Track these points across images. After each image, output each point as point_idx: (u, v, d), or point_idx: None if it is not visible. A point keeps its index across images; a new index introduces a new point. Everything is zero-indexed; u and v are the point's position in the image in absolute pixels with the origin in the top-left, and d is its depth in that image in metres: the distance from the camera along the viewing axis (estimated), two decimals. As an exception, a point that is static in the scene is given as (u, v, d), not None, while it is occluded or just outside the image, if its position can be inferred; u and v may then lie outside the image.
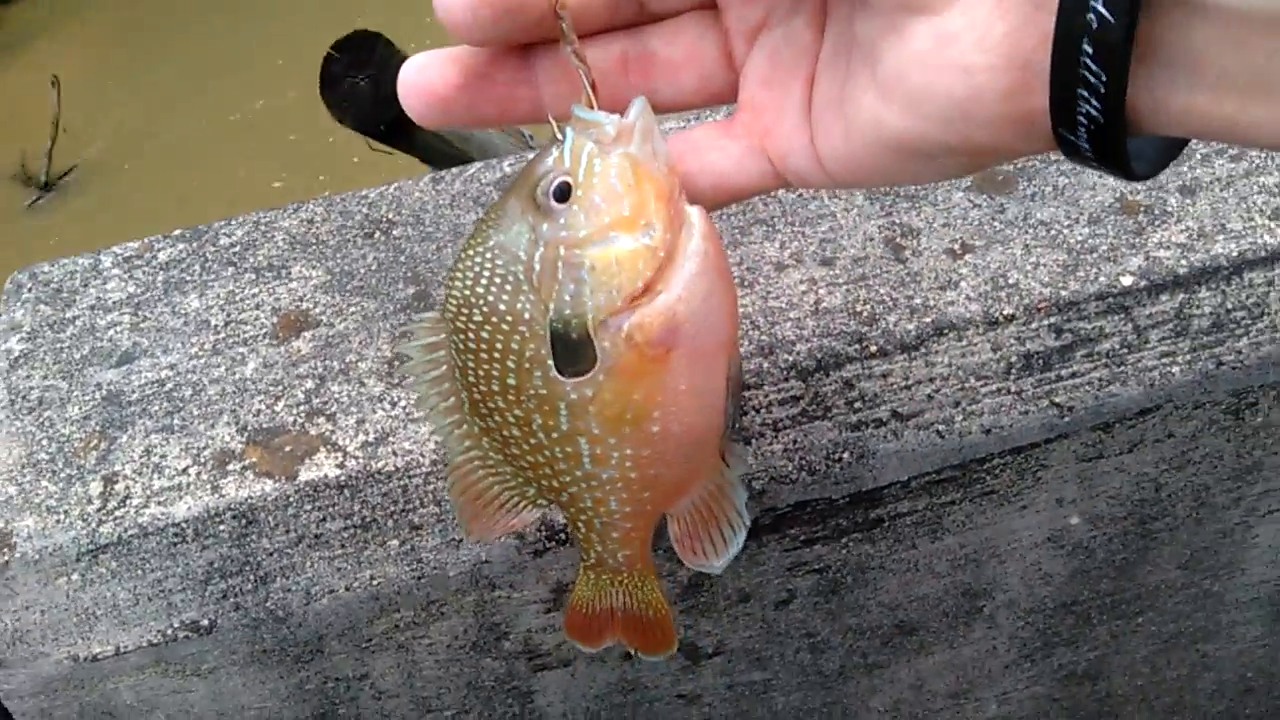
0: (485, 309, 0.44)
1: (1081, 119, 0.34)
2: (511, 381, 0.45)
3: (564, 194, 0.42)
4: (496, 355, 0.45)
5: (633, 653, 0.57)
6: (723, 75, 0.45)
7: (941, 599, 0.74)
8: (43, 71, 3.78)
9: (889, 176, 0.42)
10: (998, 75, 0.35)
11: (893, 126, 0.39)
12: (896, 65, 0.37)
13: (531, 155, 0.45)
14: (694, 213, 0.43)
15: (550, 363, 0.44)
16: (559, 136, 0.43)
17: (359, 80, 2.44)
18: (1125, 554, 0.74)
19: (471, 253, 0.45)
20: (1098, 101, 0.33)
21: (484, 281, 0.44)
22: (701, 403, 0.45)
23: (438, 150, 2.46)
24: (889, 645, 0.76)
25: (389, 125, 2.45)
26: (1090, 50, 0.32)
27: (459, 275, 0.45)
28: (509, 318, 0.44)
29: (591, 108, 0.43)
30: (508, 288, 0.44)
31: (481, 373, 0.45)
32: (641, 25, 0.45)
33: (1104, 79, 0.33)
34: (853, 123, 0.40)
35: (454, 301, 0.45)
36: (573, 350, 0.43)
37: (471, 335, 0.45)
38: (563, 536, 0.61)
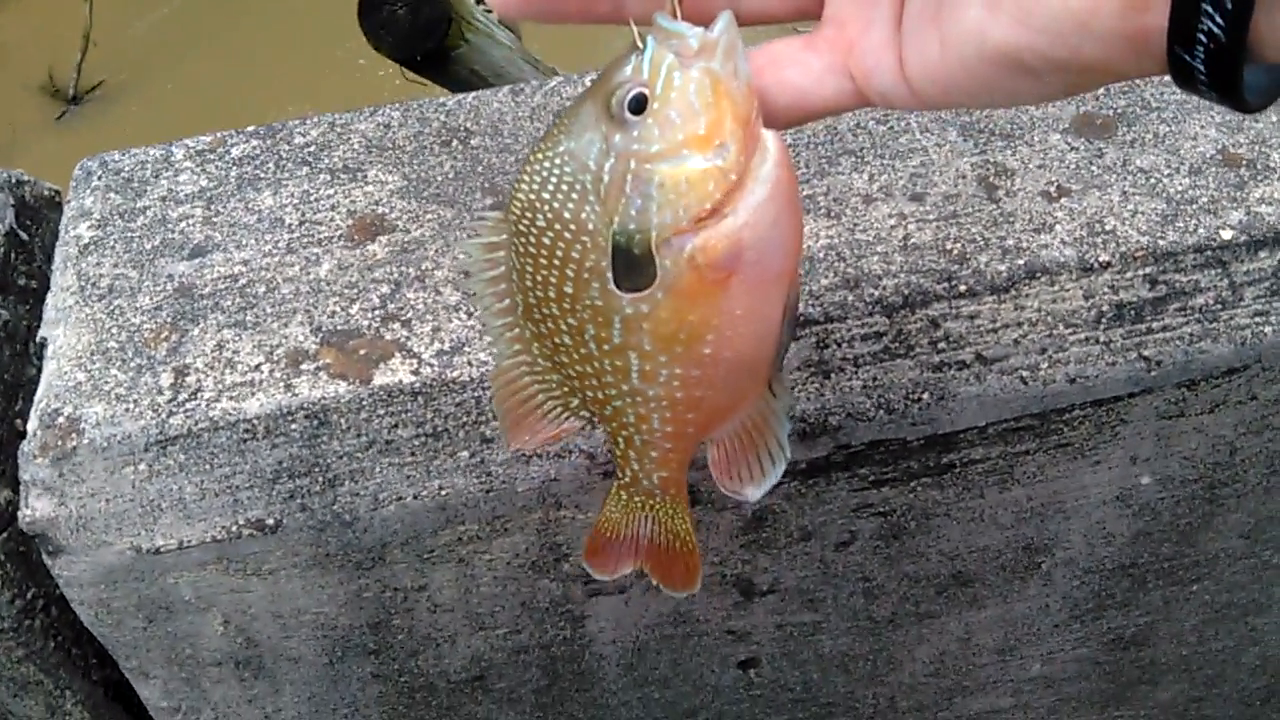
0: (549, 215, 0.44)
1: (1201, 36, 0.33)
2: (569, 290, 0.44)
3: (639, 106, 0.41)
4: (556, 262, 0.44)
5: (655, 585, 0.55)
6: None
7: (1001, 552, 0.73)
8: (71, -16, 3.72)
9: (984, 95, 0.40)
10: None
11: (998, 39, 0.37)
12: None
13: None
14: (769, 137, 0.42)
15: (610, 275, 0.43)
16: (639, 45, 0.42)
17: (397, 8, 2.41)
18: (1190, 518, 0.73)
19: (541, 157, 0.44)
20: (1221, 19, 0.32)
21: (550, 187, 0.43)
22: (756, 330, 0.45)
23: (471, 84, 2.44)
24: (943, 595, 0.75)
25: (425, 55, 2.42)
26: None
27: (526, 178, 0.44)
28: (572, 226, 0.43)
29: (675, 16, 0.42)
30: (574, 196, 0.43)
31: (539, 278, 0.45)
32: None
33: None
34: (951, 36, 0.39)
35: (519, 204, 0.45)
36: (633, 266, 0.43)
37: (533, 240, 0.44)
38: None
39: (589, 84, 0.45)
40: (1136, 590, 0.78)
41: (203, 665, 0.66)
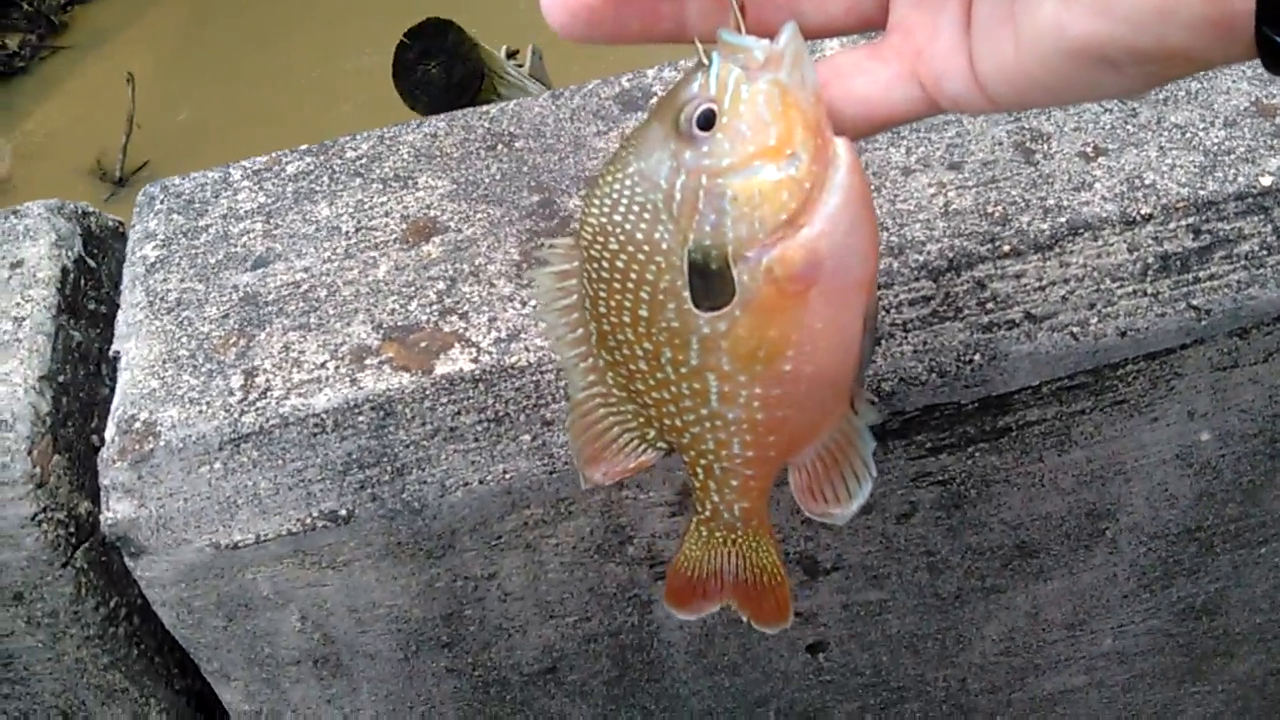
0: (622, 237, 0.43)
1: None
2: (644, 313, 0.44)
3: (708, 121, 0.41)
4: (630, 285, 0.44)
5: (745, 619, 0.54)
6: None
7: (1064, 519, 0.73)
8: (117, 70, 3.85)
9: (1063, 91, 0.39)
10: None
11: (1078, 31, 0.36)
12: None
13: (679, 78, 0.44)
14: (840, 144, 0.42)
15: (686, 295, 0.43)
16: (704, 61, 0.42)
17: (431, 67, 2.48)
18: (1253, 475, 0.73)
19: (610, 179, 0.44)
20: None
21: (622, 209, 0.43)
22: (836, 343, 0.44)
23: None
24: (1008, 568, 0.75)
25: (459, 112, 2.47)
26: None
27: (596, 202, 0.44)
28: (645, 247, 0.43)
29: (739, 31, 0.42)
30: (646, 216, 0.43)
31: (613, 303, 0.45)
32: None
33: None
34: (1027, 33, 0.38)
35: (589, 229, 0.44)
36: (710, 283, 0.42)
37: (606, 264, 0.44)
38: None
39: (652, 103, 0.44)
40: (1204, 555, 0.78)
41: (281, 665, 0.67)
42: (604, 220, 0.44)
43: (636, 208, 0.43)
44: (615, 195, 0.43)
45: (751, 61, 0.41)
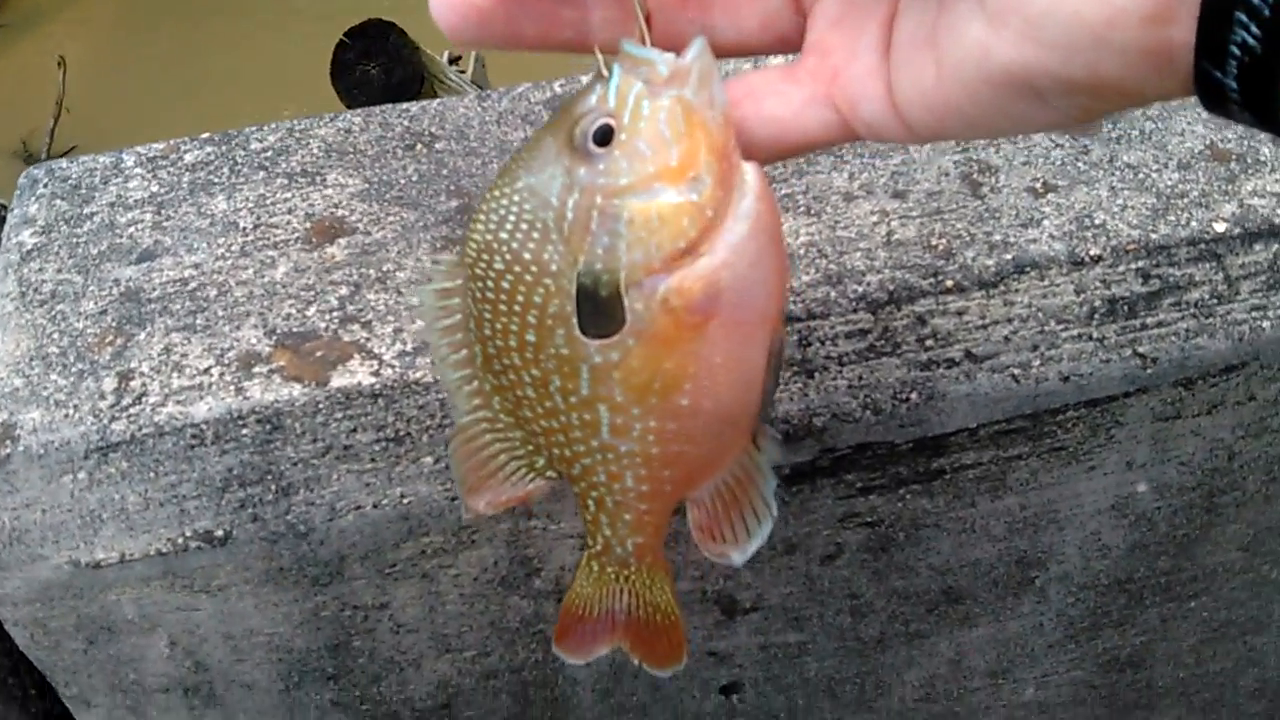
0: (508, 256, 0.40)
1: (1234, 49, 0.29)
2: (531, 338, 0.41)
3: (605, 137, 0.38)
4: (517, 308, 0.41)
5: (637, 663, 0.51)
6: (789, 16, 0.41)
7: (994, 566, 0.70)
8: (47, 53, 3.73)
9: (984, 122, 0.36)
10: None
11: (1004, 57, 0.33)
12: None
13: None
14: (749, 169, 0.39)
15: (575, 321, 0.40)
16: (604, 73, 0.39)
17: (371, 68, 2.43)
18: (1188, 529, 0.71)
19: (498, 194, 0.40)
20: (1257, 28, 0.28)
21: (509, 226, 0.40)
22: (737, 378, 0.41)
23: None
24: (933, 613, 0.72)
25: (398, 114, 2.43)
26: None
27: (482, 217, 0.41)
28: (534, 268, 0.40)
29: (643, 43, 0.39)
30: (535, 235, 0.40)
31: (499, 326, 0.41)
32: None
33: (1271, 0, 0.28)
34: (949, 58, 0.35)
35: (474, 246, 0.41)
36: (600, 310, 0.39)
37: (490, 284, 0.41)
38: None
39: (562, 98, 0.41)
40: (1133, 607, 0.75)
41: (148, 692, 0.62)
42: (489, 237, 0.40)
43: (525, 225, 0.40)
44: (502, 211, 0.40)
45: (655, 76, 0.38)
